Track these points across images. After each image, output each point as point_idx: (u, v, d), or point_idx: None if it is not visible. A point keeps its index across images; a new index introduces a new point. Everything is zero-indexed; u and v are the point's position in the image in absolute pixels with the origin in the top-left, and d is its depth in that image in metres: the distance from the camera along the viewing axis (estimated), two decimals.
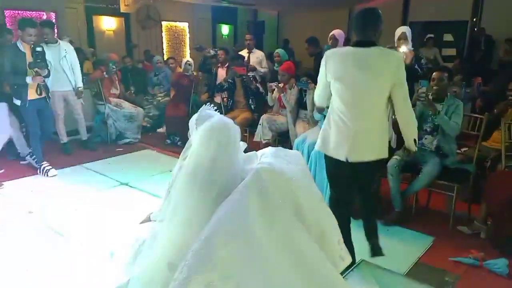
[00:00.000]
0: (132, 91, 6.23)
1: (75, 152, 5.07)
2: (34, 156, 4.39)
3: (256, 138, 4.67)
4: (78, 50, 7.13)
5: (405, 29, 3.95)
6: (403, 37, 3.93)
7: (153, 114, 6.16)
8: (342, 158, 2.34)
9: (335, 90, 2.33)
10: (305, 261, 1.85)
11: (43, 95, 4.23)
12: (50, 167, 4.34)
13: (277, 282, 1.76)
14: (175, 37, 11.06)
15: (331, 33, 4.45)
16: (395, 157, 3.37)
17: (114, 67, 5.37)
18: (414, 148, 2.43)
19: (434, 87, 3.26)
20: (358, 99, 2.27)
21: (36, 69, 4.01)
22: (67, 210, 3.48)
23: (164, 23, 10.61)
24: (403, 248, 3.03)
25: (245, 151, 2.17)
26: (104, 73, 5.31)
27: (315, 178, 3.71)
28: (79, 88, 4.91)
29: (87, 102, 5.47)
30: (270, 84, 4.56)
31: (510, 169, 3.23)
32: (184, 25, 11.15)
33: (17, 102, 4.11)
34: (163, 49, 10.65)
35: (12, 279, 2.48)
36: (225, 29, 12.09)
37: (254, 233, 1.77)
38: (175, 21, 10.89)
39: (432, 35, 8.74)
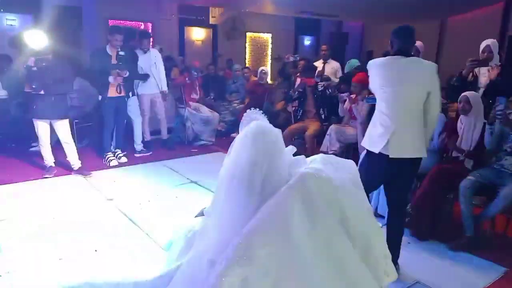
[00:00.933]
0: (212, 97, 6.62)
1: (156, 150, 5.52)
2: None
3: (323, 148, 4.65)
4: (168, 58, 7.81)
5: (489, 42, 3.66)
6: (486, 50, 3.65)
7: (228, 119, 6.46)
8: (385, 152, 2.52)
9: (380, 96, 2.64)
10: (343, 268, 1.84)
11: (123, 93, 4.72)
12: (113, 158, 4.86)
13: (313, 286, 1.78)
14: (258, 48, 11.44)
15: None
16: (469, 177, 3.14)
17: (195, 73, 5.77)
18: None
19: None
20: (399, 104, 2.54)
21: (117, 70, 4.50)
22: (142, 200, 3.83)
23: (248, 34, 11.05)
24: (468, 276, 2.79)
25: None
26: (187, 79, 5.74)
27: (380, 191, 3.63)
28: (164, 91, 5.39)
29: (170, 105, 5.94)
30: (342, 94, 4.53)
31: None
32: (267, 36, 11.49)
33: (99, 98, 4.68)
34: (245, 59, 11.07)
35: (80, 257, 2.78)
36: (307, 40, 12.18)
37: (294, 236, 1.81)
38: (259, 32, 11.28)
39: None
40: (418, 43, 4.39)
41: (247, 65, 10.78)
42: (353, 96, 4.48)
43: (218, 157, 5.50)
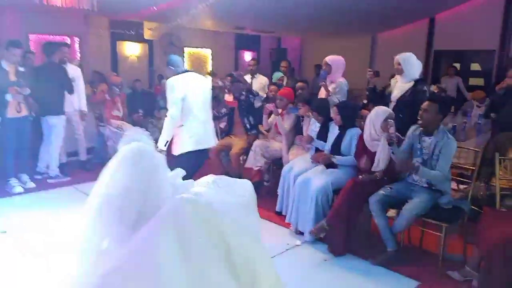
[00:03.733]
0: (140, 113, 6.30)
1: (74, 173, 5.10)
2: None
3: (248, 164, 4.52)
4: (97, 74, 7.40)
5: (399, 55, 3.73)
6: (395, 63, 3.72)
7: (157, 137, 6.15)
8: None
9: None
10: None
11: (24, 113, 4.34)
12: (17, 183, 4.43)
13: None
14: (197, 63, 11.26)
15: (324, 59, 4.31)
16: (380, 191, 3.10)
17: (117, 89, 5.45)
18: None
19: (419, 119, 3.00)
20: None
21: (15, 87, 4.13)
22: (42, 231, 3.44)
23: (187, 49, 10.85)
24: None
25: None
26: (106, 95, 5.41)
27: (299, 208, 3.53)
28: (83, 111, 5.04)
29: (90, 123, 5.56)
30: (268, 105, 4.42)
31: (508, 208, 2.87)
32: (207, 51, 11.36)
33: None
34: None
35: None
36: (247, 56, 12.20)
37: (164, 273, 1.60)
38: (198, 47, 11.12)
39: (455, 65, 8.38)
40: (330, 58, 4.38)
41: None
42: (279, 110, 4.40)
43: None
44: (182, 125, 3.54)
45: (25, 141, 4.52)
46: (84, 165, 5.31)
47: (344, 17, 7.73)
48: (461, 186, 3.58)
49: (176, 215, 1.69)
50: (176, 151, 3.57)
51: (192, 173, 2.95)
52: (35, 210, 3.96)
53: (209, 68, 11.45)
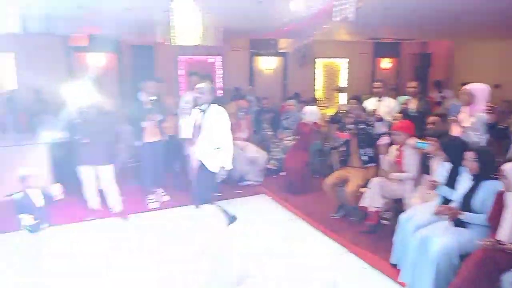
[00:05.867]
0: (267, 131, 6.52)
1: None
2: None
3: (364, 202, 4.12)
4: (237, 89, 7.88)
5: None
6: None
7: (280, 157, 6.23)
8: None
9: None
10: None
11: (158, 138, 4.83)
12: (154, 200, 5.00)
13: None
14: (330, 74, 11.03)
15: (465, 88, 3.62)
16: None
17: (242, 113, 5.72)
18: None
19: None
20: None
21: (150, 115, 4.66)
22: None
23: (319, 60, 10.71)
24: None
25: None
26: (232, 118, 5.69)
27: (416, 267, 3.08)
28: None
29: None
30: (382, 138, 3.99)
31: None
32: (340, 61, 11.02)
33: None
34: (314, 86, 10.74)
35: None
36: (385, 63, 11.41)
37: None
38: (332, 58, 10.87)
39: None
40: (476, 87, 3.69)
41: (317, 93, 10.48)
42: (396, 147, 3.94)
43: (260, 201, 5.29)
44: None
45: (159, 162, 5.04)
46: None
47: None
48: None
49: None
50: None
51: None
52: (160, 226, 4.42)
53: (343, 78, 11.12)
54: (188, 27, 4.83)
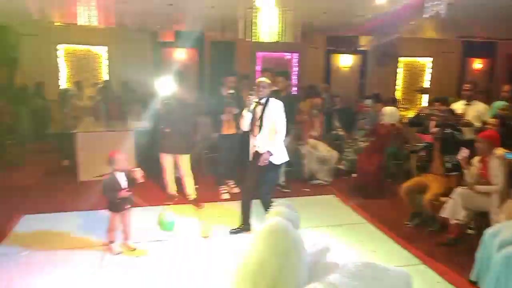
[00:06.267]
0: (339, 131, 6.38)
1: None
2: None
3: (445, 213, 3.85)
4: (312, 87, 7.83)
5: None
6: None
7: (352, 158, 6.07)
8: None
9: None
10: None
11: (233, 131, 4.97)
12: (226, 191, 5.16)
13: None
14: (412, 74, 10.45)
15: None
16: None
17: (316, 111, 5.65)
18: None
19: None
20: None
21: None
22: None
23: (402, 59, 10.21)
24: None
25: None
26: (306, 116, 5.67)
27: (499, 286, 2.83)
28: None
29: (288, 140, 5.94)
30: (462, 150, 3.69)
31: None
32: (425, 61, 10.38)
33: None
34: (395, 86, 10.27)
35: None
36: (477, 64, 10.50)
37: None
38: (415, 57, 10.28)
39: None
40: None
41: (397, 94, 9.99)
42: (478, 158, 3.63)
43: (327, 201, 5.18)
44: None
45: (234, 155, 5.20)
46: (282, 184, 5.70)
47: None
48: None
49: None
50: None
51: None
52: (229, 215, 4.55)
53: (426, 78, 10.47)
54: (269, 24, 4.89)
